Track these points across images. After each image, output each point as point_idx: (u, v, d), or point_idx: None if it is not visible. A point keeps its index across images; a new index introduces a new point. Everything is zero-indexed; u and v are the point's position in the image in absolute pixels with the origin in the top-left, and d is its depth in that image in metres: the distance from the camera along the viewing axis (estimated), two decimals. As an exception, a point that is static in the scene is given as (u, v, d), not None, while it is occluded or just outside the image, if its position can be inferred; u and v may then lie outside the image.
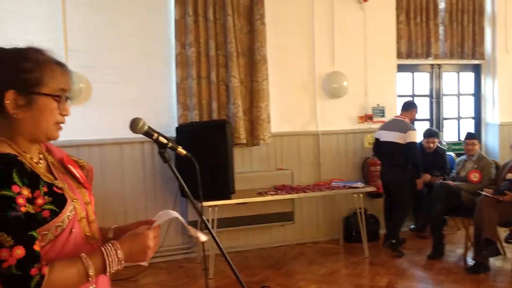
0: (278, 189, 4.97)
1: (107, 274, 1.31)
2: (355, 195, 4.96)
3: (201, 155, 4.37)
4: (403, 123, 5.17)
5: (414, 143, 5.11)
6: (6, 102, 1.26)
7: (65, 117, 1.38)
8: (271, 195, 4.75)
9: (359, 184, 5.10)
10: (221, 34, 5.08)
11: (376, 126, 5.78)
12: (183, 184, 1.56)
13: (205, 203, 4.38)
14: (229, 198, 4.48)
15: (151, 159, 4.94)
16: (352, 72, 5.72)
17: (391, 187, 5.21)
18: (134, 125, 1.47)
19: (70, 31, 4.62)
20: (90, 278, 1.26)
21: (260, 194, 4.77)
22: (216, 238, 1.61)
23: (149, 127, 1.50)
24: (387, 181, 5.26)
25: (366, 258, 4.88)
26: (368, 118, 5.84)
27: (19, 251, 1.15)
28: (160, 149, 1.52)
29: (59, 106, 1.33)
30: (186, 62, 4.95)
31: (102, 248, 1.29)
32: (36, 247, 1.19)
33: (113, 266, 1.29)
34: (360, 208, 4.92)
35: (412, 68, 6.36)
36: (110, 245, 1.31)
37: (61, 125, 1.38)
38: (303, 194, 4.85)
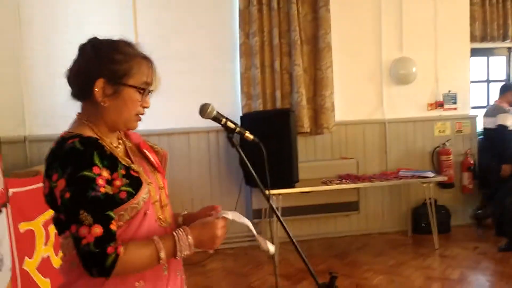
0: (343, 178, 4.89)
1: (177, 258, 1.35)
2: (424, 184, 4.78)
3: (265, 144, 4.40)
4: (497, 108, 5.12)
5: (502, 126, 4.98)
6: (96, 89, 1.33)
7: (149, 106, 1.44)
8: (336, 184, 4.69)
9: (429, 174, 4.90)
10: (284, 23, 5.05)
11: (447, 113, 5.52)
12: (251, 169, 1.57)
13: (271, 192, 4.40)
14: (293, 187, 4.48)
15: (216, 148, 5.04)
16: (421, 58, 5.48)
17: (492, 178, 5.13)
18: (204, 110, 1.51)
19: (140, 23, 4.79)
20: (161, 261, 1.30)
21: (324, 183, 4.72)
22: (286, 227, 1.61)
23: (218, 112, 1.53)
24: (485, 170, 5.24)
25: (436, 250, 4.70)
26: (438, 105, 5.59)
27: (97, 230, 1.21)
28: (228, 134, 1.55)
29: (142, 98, 1.39)
30: (250, 52, 4.98)
31: (174, 233, 1.34)
32: (113, 226, 1.25)
33: (183, 251, 1.33)
34: (430, 199, 4.74)
35: (487, 52, 6.00)
36: (182, 230, 1.35)
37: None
38: (368, 183, 4.74)
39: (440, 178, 4.97)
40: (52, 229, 2.86)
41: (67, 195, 1.22)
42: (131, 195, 1.31)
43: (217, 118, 1.52)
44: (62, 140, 1.29)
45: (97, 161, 1.26)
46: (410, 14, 5.44)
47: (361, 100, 5.44)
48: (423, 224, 5.21)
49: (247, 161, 1.58)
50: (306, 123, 5.04)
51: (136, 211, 1.33)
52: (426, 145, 5.59)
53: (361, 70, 5.43)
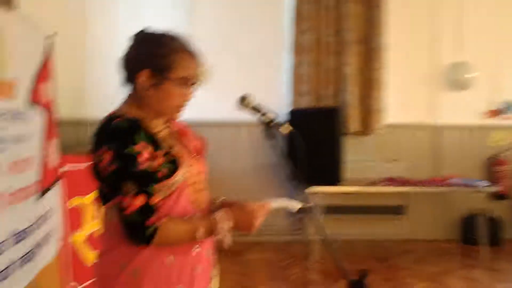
0: (391, 181, 4.81)
1: (214, 238, 1.42)
2: (476, 194, 4.60)
3: (312, 141, 4.45)
4: None
5: None
6: (140, 79, 1.41)
7: (191, 99, 1.50)
8: (383, 186, 4.62)
9: (482, 183, 4.71)
10: (339, 21, 5.02)
11: (505, 122, 5.29)
12: (286, 161, 1.61)
13: (313, 189, 4.42)
14: (337, 185, 4.45)
15: (264, 142, 5.07)
16: (482, 63, 5.26)
17: None
18: (243, 100, 1.56)
19: (195, 18, 4.92)
20: (197, 239, 1.37)
21: (370, 184, 4.66)
22: (321, 223, 1.63)
23: (257, 104, 1.58)
24: None
25: (484, 263, 4.52)
26: (496, 113, 5.36)
27: (139, 201, 1.30)
28: (266, 125, 1.59)
29: (183, 91, 1.45)
30: (302, 49, 4.99)
31: (215, 215, 1.40)
32: (155, 199, 1.32)
33: (221, 232, 1.39)
34: (481, 209, 4.57)
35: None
36: (222, 213, 1.40)
37: (189, 104, 1.52)
38: (418, 188, 4.63)
39: (493, 189, 4.77)
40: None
41: (113, 167, 1.31)
42: (169, 174, 1.38)
43: (255, 109, 1.57)
44: (109, 119, 1.39)
45: (139, 139, 1.34)
46: (471, 16, 5.24)
47: (414, 103, 5.32)
48: (472, 235, 5.02)
49: (282, 154, 1.62)
50: (354, 123, 5.00)
51: (172, 191, 1.40)
52: (480, 153, 5.37)
53: (416, 72, 5.31)
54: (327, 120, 4.48)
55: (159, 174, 1.36)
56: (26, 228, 2.00)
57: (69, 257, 2.79)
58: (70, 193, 2.78)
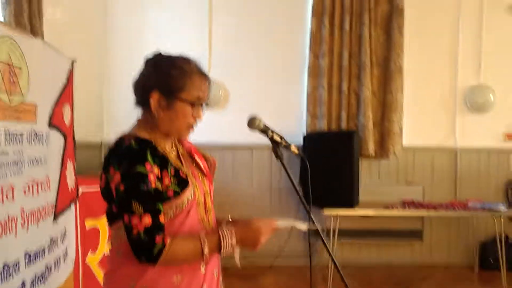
0: (407, 204, 4.75)
1: (220, 255, 1.44)
2: (495, 218, 4.51)
3: (327, 164, 4.47)
4: None
5: None
6: (151, 100, 1.46)
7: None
8: (398, 210, 4.56)
9: (501, 207, 4.62)
10: (355, 44, 5.05)
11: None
12: (293, 180, 1.63)
13: (328, 212, 4.39)
14: (352, 208, 4.42)
15: (279, 164, 5.06)
16: (501, 85, 5.21)
17: None
18: (252, 122, 1.59)
19: (214, 41, 5.03)
20: (204, 257, 1.39)
21: (386, 207, 4.61)
22: (329, 248, 1.64)
23: (265, 125, 1.60)
24: None
25: (504, 289, 4.40)
26: (517, 136, 5.29)
27: (147, 220, 1.33)
28: (274, 146, 1.61)
29: (194, 111, 1.50)
30: (318, 72, 5.03)
31: (220, 231, 1.42)
32: (162, 218, 1.36)
33: (226, 249, 1.41)
34: (500, 233, 4.46)
35: None
36: (227, 230, 1.43)
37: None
38: (434, 212, 4.56)
39: (514, 213, 4.67)
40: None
41: (122, 187, 1.35)
42: (177, 194, 1.42)
43: (264, 131, 1.60)
44: (121, 140, 1.44)
45: (149, 159, 1.38)
46: (490, 41, 5.22)
47: (432, 126, 5.28)
48: (491, 260, 4.90)
49: (289, 173, 1.63)
50: (371, 146, 4.98)
51: (180, 210, 1.43)
52: (500, 176, 5.27)
53: (434, 95, 5.28)
54: (342, 143, 4.47)
55: (167, 194, 1.40)
56: (39, 249, 2.03)
57: (81, 280, 2.81)
58: (86, 215, 2.83)
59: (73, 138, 2.67)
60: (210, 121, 4.89)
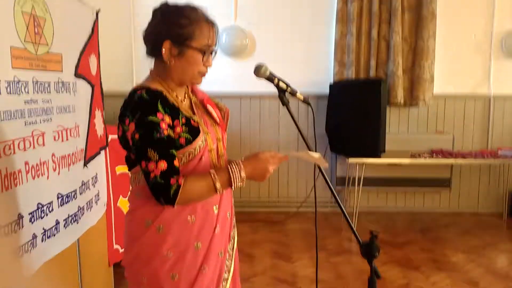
0: (436, 153, 4.72)
1: (232, 188, 1.53)
2: (526, 167, 4.45)
3: (353, 112, 4.47)
4: None
5: None
6: (163, 50, 1.52)
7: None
8: (425, 158, 4.55)
9: (533, 155, 4.54)
10: (386, -12, 4.89)
11: None
12: (299, 129, 1.68)
13: (353, 160, 4.44)
14: (378, 157, 4.44)
15: (305, 113, 5.04)
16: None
17: None
18: (258, 70, 1.63)
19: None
20: (217, 191, 1.48)
21: (413, 156, 4.61)
22: (335, 193, 1.70)
23: (271, 73, 1.65)
24: None
25: (532, 238, 4.40)
26: (555, 82, 5.08)
27: (163, 165, 1.42)
28: (280, 93, 1.66)
29: (204, 58, 1.55)
30: (346, 18, 4.92)
31: (228, 166, 1.50)
32: (176, 162, 1.45)
33: (237, 183, 1.50)
34: (531, 182, 4.41)
35: None
36: (236, 165, 1.51)
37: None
38: (462, 160, 4.53)
39: (546, 161, 4.58)
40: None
41: (137, 136, 1.44)
42: (189, 141, 1.50)
43: (270, 78, 1.64)
44: (133, 92, 1.52)
45: (160, 109, 1.46)
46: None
47: (465, 73, 5.13)
48: (521, 209, 4.88)
49: (296, 121, 1.69)
50: (400, 94, 4.91)
51: (193, 156, 1.52)
52: (534, 124, 5.14)
53: (468, 40, 5.10)
54: (368, 91, 4.42)
55: (180, 141, 1.48)
56: (71, 192, 2.20)
57: (113, 221, 3.02)
58: (116, 161, 2.99)
59: (101, 87, 2.77)
60: (236, 71, 4.98)
